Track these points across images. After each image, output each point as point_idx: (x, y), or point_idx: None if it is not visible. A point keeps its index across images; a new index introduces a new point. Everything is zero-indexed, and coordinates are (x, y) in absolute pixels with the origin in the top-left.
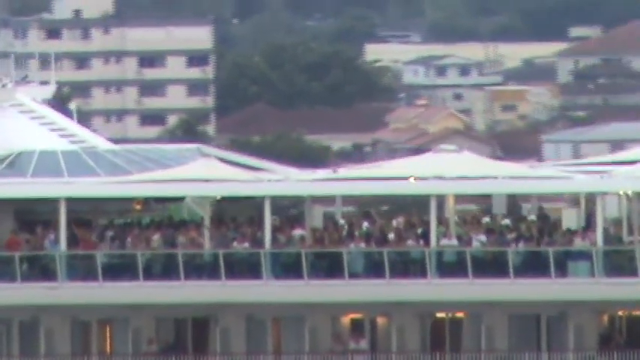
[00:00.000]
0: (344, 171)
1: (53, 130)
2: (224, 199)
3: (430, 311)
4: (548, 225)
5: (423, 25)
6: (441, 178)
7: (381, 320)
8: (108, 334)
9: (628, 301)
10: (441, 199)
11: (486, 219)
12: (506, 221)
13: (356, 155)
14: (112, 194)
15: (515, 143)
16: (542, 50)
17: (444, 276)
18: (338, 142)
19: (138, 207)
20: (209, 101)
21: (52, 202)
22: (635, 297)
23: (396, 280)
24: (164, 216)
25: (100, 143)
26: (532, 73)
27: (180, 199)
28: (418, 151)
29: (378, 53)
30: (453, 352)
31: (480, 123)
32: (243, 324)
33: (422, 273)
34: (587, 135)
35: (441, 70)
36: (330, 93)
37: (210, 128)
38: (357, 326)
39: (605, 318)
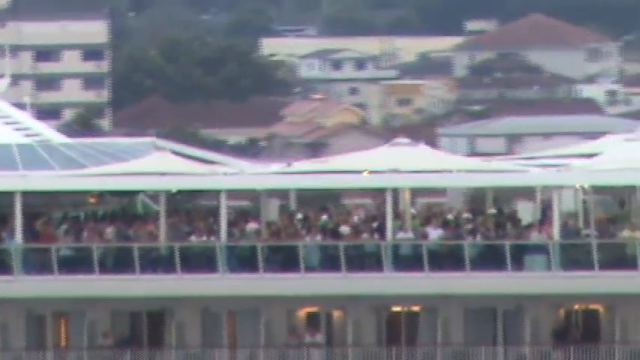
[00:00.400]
0: (298, 165)
1: (7, 123)
2: (179, 192)
3: (386, 305)
4: (504, 219)
5: (318, 19)
6: (396, 171)
7: (336, 314)
8: (63, 328)
9: (584, 295)
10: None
11: (450, 216)
12: (466, 215)
13: (251, 149)
14: (69, 187)
15: (410, 137)
16: (438, 44)
17: (399, 269)
18: (233, 136)
19: (92, 200)
20: (104, 95)
21: (6, 196)
22: (591, 291)
23: (351, 274)
24: (118, 209)
25: (55, 137)
26: (428, 67)
27: (137, 192)
28: (314, 145)
29: (273, 47)
30: (409, 346)
31: (375, 117)
32: (199, 317)
33: (378, 266)
34: (483, 129)
35: (337, 64)
36: (226, 87)
37: (105, 122)
38: (312, 320)
39: (562, 312)
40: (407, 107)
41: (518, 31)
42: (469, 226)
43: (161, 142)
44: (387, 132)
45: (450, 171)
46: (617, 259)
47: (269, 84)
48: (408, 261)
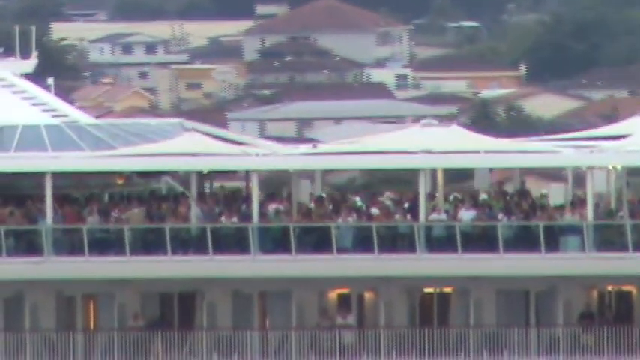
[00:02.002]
0: (324, 146)
1: (35, 104)
2: (210, 173)
3: (418, 286)
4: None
5: (109, 4)
6: (429, 152)
7: (368, 295)
8: (93, 309)
9: (617, 276)
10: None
11: (484, 196)
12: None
13: None
14: (102, 168)
15: (200, 121)
16: (228, 28)
17: (432, 251)
18: None
19: (120, 182)
20: None
21: (36, 177)
22: (624, 272)
23: (384, 255)
24: (145, 191)
25: (83, 118)
26: (218, 51)
27: (167, 173)
28: None
29: (64, 32)
30: (441, 328)
31: (165, 101)
32: (230, 299)
33: (410, 248)
34: (272, 113)
35: (127, 49)
36: None
37: None
38: (344, 301)
39: (595, 293)
40: (197, 91)
41: (309, 15)
42: (500, 207)
43: (189, 123)
44: (177, 116)
45: (478, 152)
46: None
47: (59, 69)
48: (440, 242)
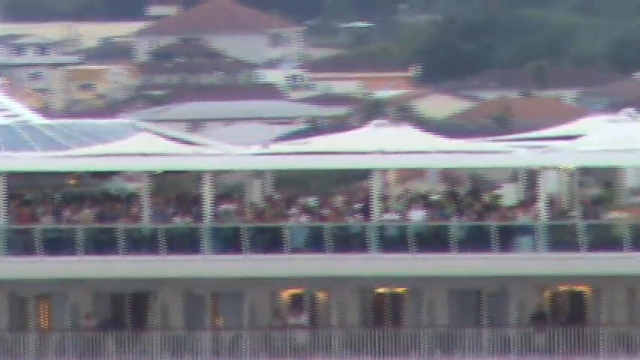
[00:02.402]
0: (277, 146)
1: None
2: (163, 173)
3: (371, 286)
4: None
5: (1, 4)
6: (382, 152)
7: (321, 295)
8: (45, 309)
9: (570, 276)
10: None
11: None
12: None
13: None
14: (57, 168)
15: None
16: (120, 29)
17: (385, 251)
18: None
19: (72, 182)
20: None
21: None
22: (577, 272)
23: (336, 255)
24: (99, 191)
25: (35, 118)
26: (110, 52)
27: (119, 173)
28: None
29: None
30: (394, 328)
31: (57, 102)
32: (182, 299)
33: (363, 248)
34: (164, 114)
35: (19, 50)
36: None
37: None
38: (296, 301)
39: (547, 293)
40: (89, 92)
41: (200, 17)
42: (453, 208)
43: (141, 124)
44: (69, 117)
45: (431, 152)
46: (604, 240)
47: None
48: (393, 242)
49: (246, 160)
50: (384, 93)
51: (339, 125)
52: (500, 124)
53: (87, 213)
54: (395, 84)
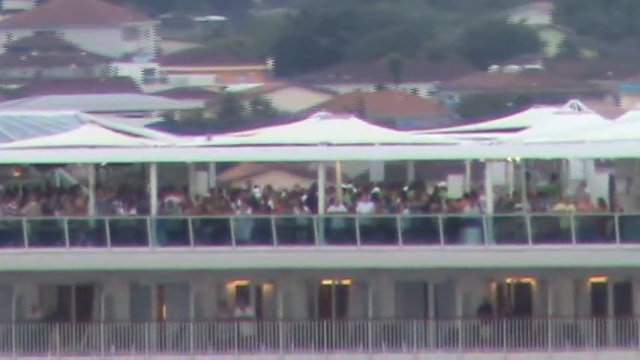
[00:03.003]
0: (220, 138)
1: None
2: (108, 165)
3: (317, 278)
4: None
5: None
6: (328, 144)
7: (266, 287)
8: None
9: (517, 268)
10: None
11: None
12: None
13: None
14: (2, 160)
15: None
16: None
17: (331, 243)
18: None
19: (17, 174)
20: None
21: None
22: (523, 264)
23: (282, 247)
24: (42, 183)
25: None
26: None
27: (65, 165)
28: None
29: None
30: (340, 320)
31: None
32: (128, 291)
33: (309, 240)
34: (18, 108)
35: None
36: None
37: None
38: (242, 293)
39: (494, 286)
40: None
41: (55, 10)
42: (398, 200)
43: (84, 116)
44: None
45: (372, 144)
46: (551, 232)
47: None
48: (339, 234)
49: (191, 151)
50: (238, 86)
51: (195, 118)
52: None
53: (33, 205)
54: (250, 77)
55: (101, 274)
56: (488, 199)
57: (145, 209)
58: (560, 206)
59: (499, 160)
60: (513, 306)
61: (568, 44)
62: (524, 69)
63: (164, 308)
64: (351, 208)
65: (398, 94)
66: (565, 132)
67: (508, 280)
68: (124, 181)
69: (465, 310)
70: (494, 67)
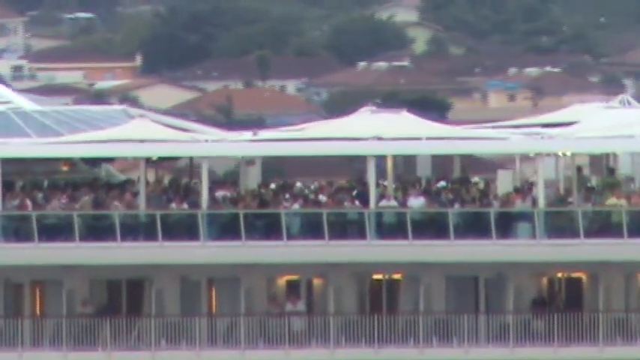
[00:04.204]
0: (269, 133)
1: None
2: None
3: (367, 272)
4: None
5: None
6: (379, 138)
7: (317, 282)
8: (40, 296)
9: (567, 262)
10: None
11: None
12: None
13: None
14: (53, 155)
15: None
16: None
17: (382, 237)
18: None
19: (65, 168)
20: None
21: None
22: (574, 259)
23: (333, 242)
24: (91, 178)
25: (27, 104)
26: None
27: (113, 160)
28: None
29: None
30: (390, 314)
31: None
32: (178, 286)
33: (360, 234)
34: None
35: None
36: None
37: None
38: (293, 288)
39: (545, 280)
40: None
41: None
42: (450, 195)
43: (133, 110)
44: None
45: (425, 138)
46: (603, 226)
47: None
48: (391, 229)
49: (242, 146)
50: (106, 83)
51: None
52: (223, 114)
53: (85, 200)
54: (118, 74)
55: (152, 268)
56: (540, 193)
57: (195, 204)
58: (612, 200)
59: (549, 155)
60: (564, 300)
61: (436, 41)
62: (392, 66)
63: (215, 303)
64: (403, 203)
65: (266, 90)
66: (614, 126)
67: (559, 275)
68: (173, 176)
69: (515, 304)
70: (362, 64)
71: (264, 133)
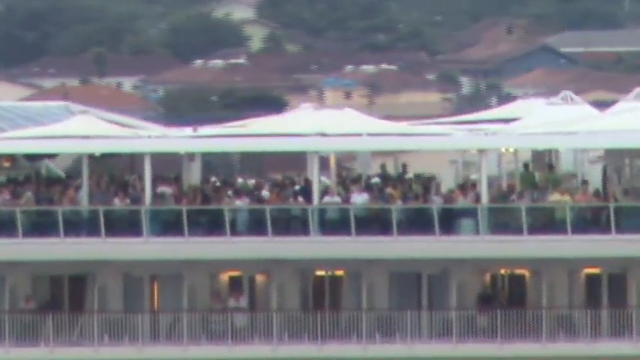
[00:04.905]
0: (208, 130)
1: None
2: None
3: (310, 269)
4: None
5: None
6: (322, 134)
7: (260, 278)
8: None
9: (511, 259)
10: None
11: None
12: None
13: None
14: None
15: None
16: None
17: (326, 234)
18: None
19: (7, 164)
20: None
21: None
22: (518, 255)
23: (276, 238)
24: (33, 173)
25: None
26: None
27: (53, 156)
28: None
29: None
30: (333, 311)
31: None
32: (121, 282)
33: (304, 231)
34: None
35: None
36: None
37: None
38: (236, 284)
39: (488, 276)
40: None
41: None
42: (392, 191)
43: (75, 106)
44: None
45: (360, 134)
46: (546, 223)
47: None
48: (334, 225)
49: (185, 142)
50: None
51: None
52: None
53: (28, 195)
54: None
55: (94, 264)
56: (483, 189)
57: (137, 200)
58: (555, 197)
59: (492, 151)
60: (508, 297)
61: (272, 38)
62: (228, 63)
63: (157, 299)
64: (346, 199)
65: (102, 87)
66: (557, 123)
67: (502, 271)
68: (112, 172)
69: (459, 301)
70: (199, 62)
71: (204, 130)
